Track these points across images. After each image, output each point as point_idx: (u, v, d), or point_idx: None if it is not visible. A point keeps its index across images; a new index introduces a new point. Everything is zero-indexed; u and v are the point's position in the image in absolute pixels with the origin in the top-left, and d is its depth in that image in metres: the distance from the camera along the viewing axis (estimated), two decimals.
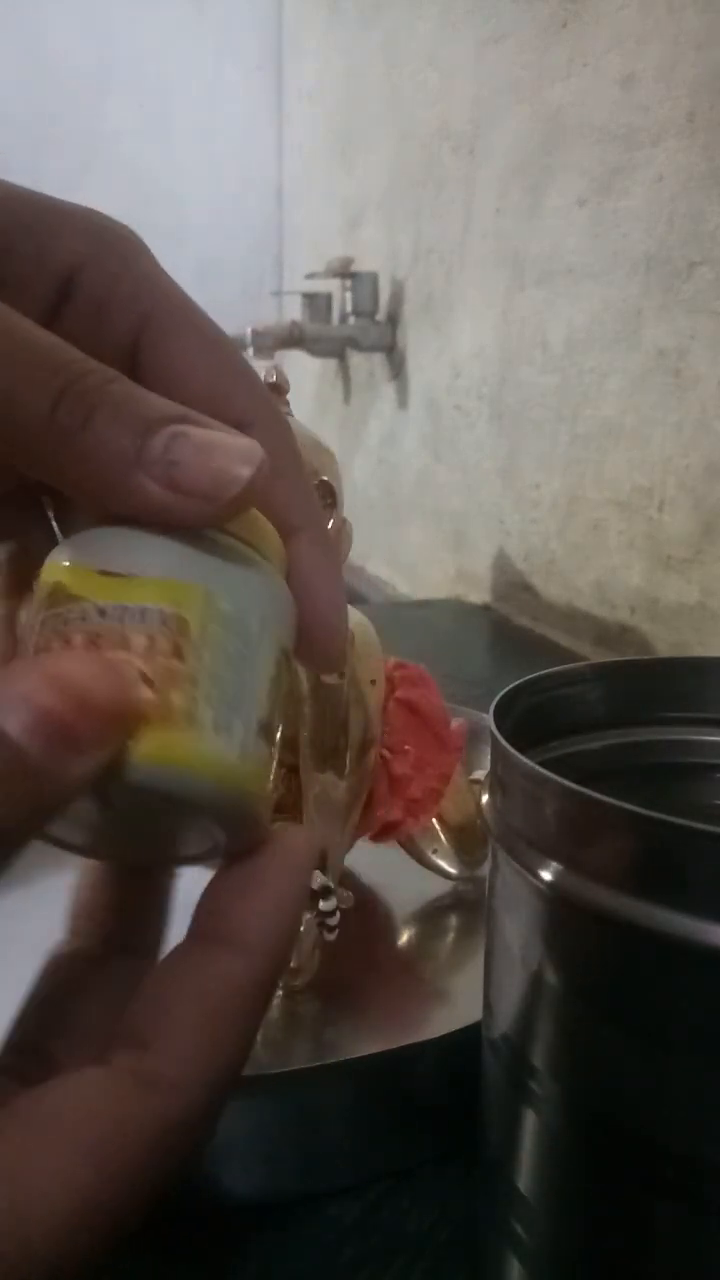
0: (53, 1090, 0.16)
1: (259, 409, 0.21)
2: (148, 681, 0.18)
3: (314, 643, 0.21)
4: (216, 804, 0.18)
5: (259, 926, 0.19)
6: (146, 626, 0.18)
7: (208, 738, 0.18)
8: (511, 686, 0.26)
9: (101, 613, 0.18)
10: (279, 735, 0.20)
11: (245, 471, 0.17)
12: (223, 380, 0.20)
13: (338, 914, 0.36)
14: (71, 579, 0.19)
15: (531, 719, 0.26)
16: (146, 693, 0.17)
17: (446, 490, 1.10)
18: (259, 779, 0.19)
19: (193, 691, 0.18)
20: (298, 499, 0.21)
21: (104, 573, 0.18)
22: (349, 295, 1.24)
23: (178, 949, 0.19)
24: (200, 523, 0.18)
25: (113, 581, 0.18)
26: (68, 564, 0.19)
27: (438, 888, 0.43)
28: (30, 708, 0.15)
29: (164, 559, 0.19)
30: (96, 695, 0.16)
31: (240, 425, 0.20)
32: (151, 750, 0.17)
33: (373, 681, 0.38)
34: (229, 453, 0.18)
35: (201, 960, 0.18)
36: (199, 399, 0.19)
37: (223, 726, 0.18)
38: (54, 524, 0.23)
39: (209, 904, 0.19)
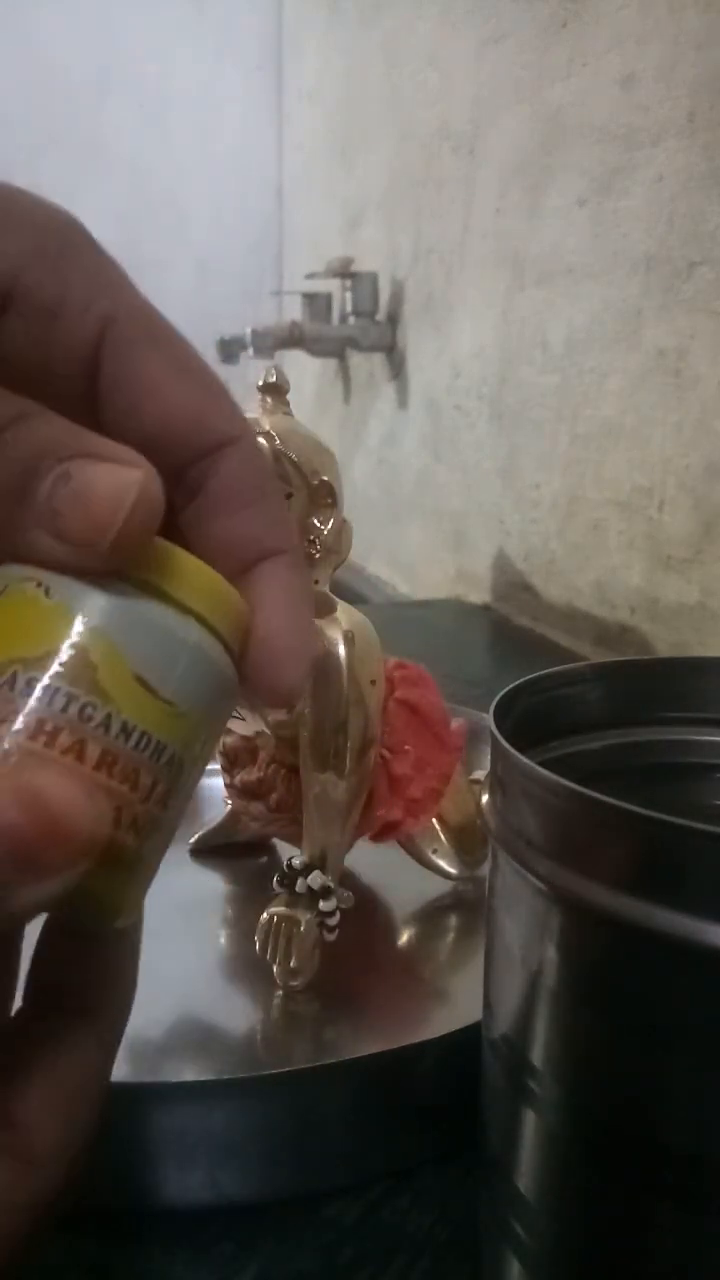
0: None
1: (231, 424, 0.19)
2: (134, 827, 0.17)
3: (262, 683, 0.20)
4: (107, 924, 0.18)
5: (104, 999, 0.19)
6: (155, 768, 0.17)
7: (138, 890, 0.18)
8: (511, 686, 0.26)
9: (125, 735, 0.17)
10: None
11: (118, 516, 0.16)
12: (193, 394, 0.19)
13: (338, 914, 0.36)
14: (106, 666, 0.17)
15: (531, 719, 0.26)
16: (130, 841, 0.17)
17: (446, 490, 1.10)
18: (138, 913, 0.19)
19: (156, 839, 0.18)
20: (266, 523, 0.20)
21: (141, 681, 0.17)
22: (349, 295, 1.24)
23: (29, 1019, 0.19)
24: (101, 572, 0.17)
25: (149, 700, 0.17)
26: (99, 634, 0.17)
27: (438, 888, 0.43)
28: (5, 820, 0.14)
29: (192, 682, 0.18)
30: (79, 834, 0.15)
31: (214, 444, 0.19)
32: (94, 889, 0.16)
33: (373, 681, 0.38)
34: (103, 495, 0.16)
35: (61, 1039, 0.19)
36: (168, 414, 0.18)
37: (157, 863, 0.18)
38: None
39: (59, 974, 0.20)
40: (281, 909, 0.36)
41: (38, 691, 0.16)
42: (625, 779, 0.28)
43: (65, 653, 0.17)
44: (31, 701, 0.16)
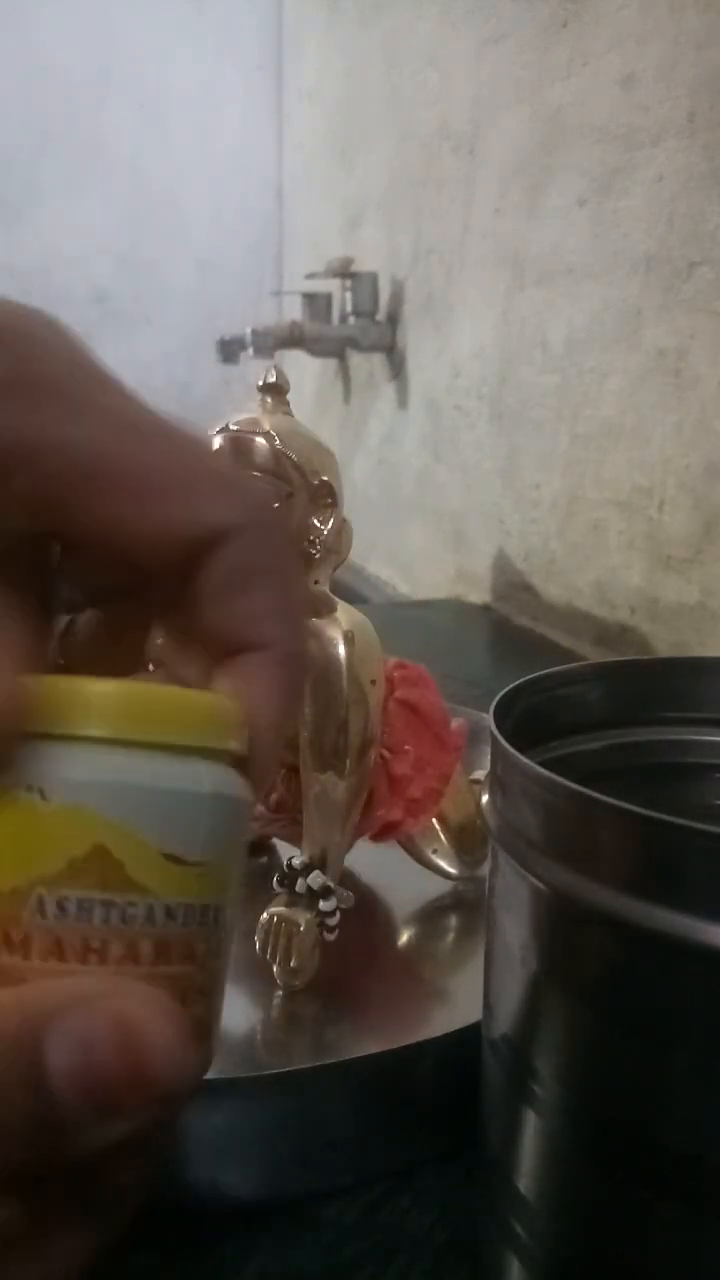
0: None
1: (229, 512, 0.18)
2: (202, 993, 0.16)
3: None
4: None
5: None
6: (205, 929, 0.17)
7: (214, 1026, 0.17)
8: (511, 686, 0.26)
9: (170, 915, 0.16)
10: None
11: None
12: (192, 486, 0.18)
13: (338, 914, 0.36)
14: (130, 856, 0.16)
15: (531, 719, 0.26)
16: (200, 1011, 0.16)
17: (446, 490, 1.10)
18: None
19: (216, 994, 0.17)
20: (265, 611, 0.19)
21: (170, 858, 0.16)
22: (349, 295, 1.24)
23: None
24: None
25: (181, 871, 0.16)
26: (113, 824, 0.16)
27: (438, 888, 0.43)
28: (84, 1054, 0.13)
29: (215, 831, 0.17)
30: (158, 1060, 0.14)
31: (214, 537, 0.18)
32: (199, 1068, 0.16)
33: (373, 681, 0.38)
34: None
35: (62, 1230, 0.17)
36: (153, 530, 0.18)
37: (217, 1024, 0.18)
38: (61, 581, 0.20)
39: None
40: (281, 909, 0.36)
41: (73, 910, 0.15)
42: (625, 779, 0.28)
43: (86, 858, 0.16)
44: (71, 922, 0.15)
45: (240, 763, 0.18)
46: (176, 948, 0.16)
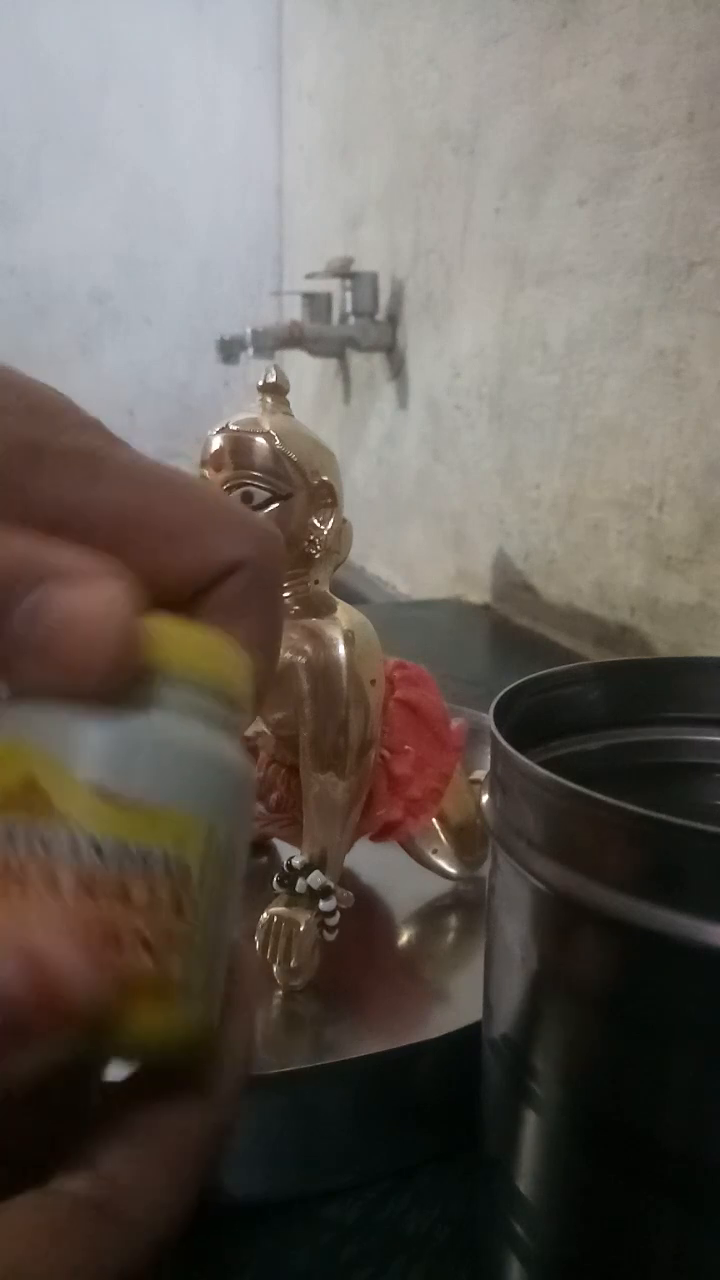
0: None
1: (235, 548, 0.19)
2: (146, 946, 0.16)
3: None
4: (175, 1060, 0.17)
5: (215, 1078, 0.18)
6: (148, 875, 0.16)
7: (194, 1006, 0.17)
8: (511, 686, 0.26)
9: (98, 850, 0.15)
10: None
11: (108, 640, 0.16)
12: (208, 528, 0.19)
13: (338, 914, 0.36)
14: (57, 786, 0.16)
15: (531, 719, 0.26)
16: (145, 961, 0.16)
17: (446, 490, 1.10)
18: (216, 1017, 0.18)
19: (189, 954, 0.16)
20: (248, 638, 0.19)
21: (101, 792, 0.16)
22: (349, 295, 1.24)
23: (138, 1080, 0.18)
24: (97, 692, 0.16)
25: (112, 809, 0.16)
26: (47, 756, 0.16)
27: (438, 888, 0.43)
28: None
29: (167, 776, 0.16)
30: (77, 985, 0.14)
31: (229, 569, 0.19)
32: (138, 1029, 0.16)
33: (373, 681, 0.38)
34: (88, 621, 0.16)
35: (166, 1105, 0.18)
36: (164, 567, 0.18)
37: (208, 986, 0.17)
38: None
39: None
40: (281, 909, 0.36)
41: (2, 836, 0.15)
42: (625, 779, 0.28)
43: (13, 786, 0.16)
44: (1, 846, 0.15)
45: (233, 720, 0.18)
46: (104, 886, 0.15)
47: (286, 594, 0.38)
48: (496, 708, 0.24)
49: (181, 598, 0.19)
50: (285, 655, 0.37)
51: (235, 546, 0.19)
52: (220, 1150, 0.19)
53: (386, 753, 0.39)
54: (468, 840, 0.43)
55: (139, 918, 0.16)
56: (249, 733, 0.40)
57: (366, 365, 1.31)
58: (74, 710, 0.16)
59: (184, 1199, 0.18)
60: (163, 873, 0.16)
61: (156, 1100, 0.18)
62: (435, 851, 0.43)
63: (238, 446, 0.36)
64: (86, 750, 0.16)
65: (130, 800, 0.16)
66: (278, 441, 0.36)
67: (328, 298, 1.32)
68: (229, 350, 1.26)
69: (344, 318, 1.26)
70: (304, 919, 0.36)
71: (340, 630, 0.37)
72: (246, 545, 0.19)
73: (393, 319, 1.22)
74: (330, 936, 0.36)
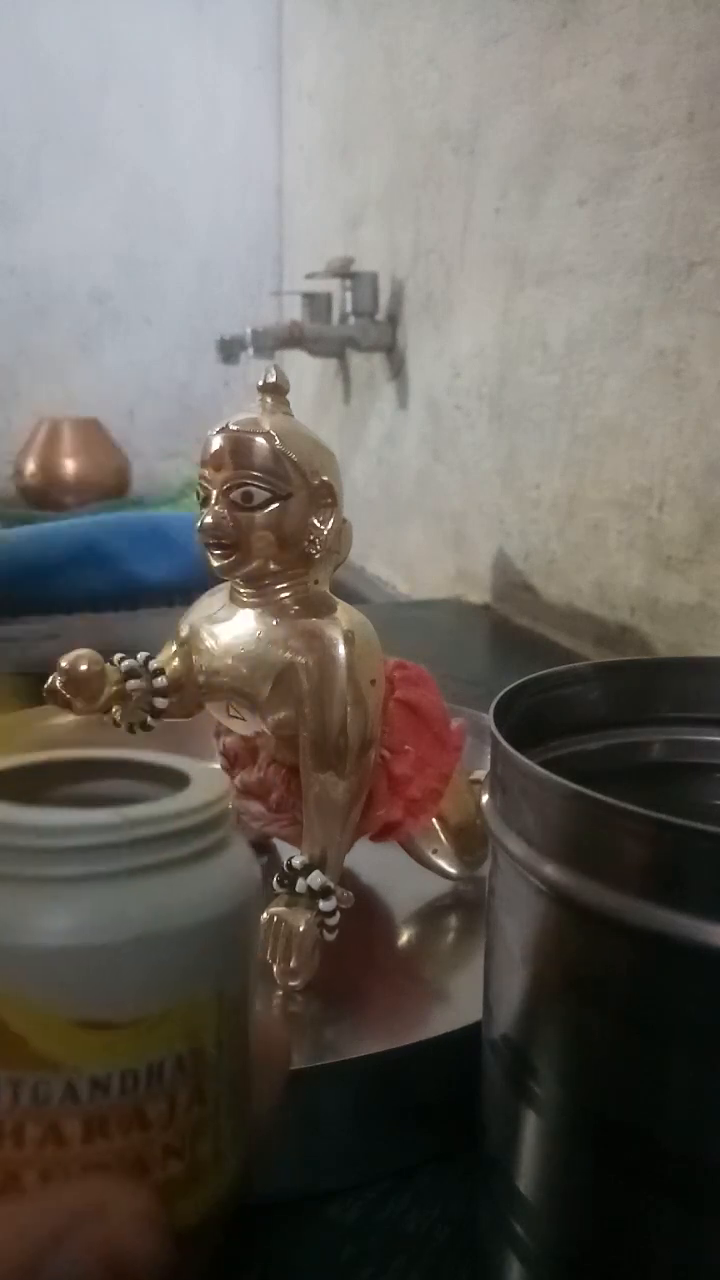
0: None
1: None
2: (172, 1152, 0.14)
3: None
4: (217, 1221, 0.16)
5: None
6: (163, 1088, 0.14)
7: (227, 1170, 0.15)
8: (511, 686, 0.26)
9: (102, 1088, 0.14)
10: None
11: None
12: None
13: (338, 914, 0.36)
14: (29, 1026, 0.13)
15: (531, 719, 0.26)
16: (174, 1169, 0.14)
17: (446, 490, 1.09)
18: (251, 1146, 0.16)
19: (218, 1126, 0.15)
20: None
21: (86, 1024, 0.13)
22: (349, 295, 1.23)
23: None
24: None
25: (101, 1038, 0.14)
26: (13, 995, 0.13)
27: (438, 888, 0.43)
28: None
29: (161, 973, 0.14)
30: (130, 1256, 0.13)
31: None
32: (180, 1218, 0.14)
33: (373, 681, 0.38)
34: None
35: None
36: None
37: (237, 1142, 0.16)
38: None
39: None
40: (281, 909, 0.36)
41: None
42: (625, 779, 0.28)
43: None
44: None
45: (218, 841, 0.16)
46: (116, 1121, 0.14)
47: (286, 594, 0.38)
48: (496, 708, 0.24)
49: None
50: (285, 655, 0.37)
51: None
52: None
53: (386, 753, 0.39)
54: (468, 840, 0.43)
55: (160, 1134, 0.14)
56: (249, 733, 0.40)
57: (366, 365, 1.31)
58: (38, 935, 0.14)
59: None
60: (177, 1075, 0.14)
61: None
62: (435, 851, 0.43)
63: (238, 446, 0.36)
64: (54, 977, 0.14)
65: (123, 1023, 0.14)
66: (278, 441, 0.36)
67: (328, 298, 1.32)
68: (229, 350, 1.26)
69: (344, 318, 1.26)
70: (304, 919, 0.36)
71: (340, 630, 0.37)
72: None
73: (393, 319, 1.22)
74: (330, 936, 0.36)
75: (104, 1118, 0.14)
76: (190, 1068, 0.14)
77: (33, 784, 0.17)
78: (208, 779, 0.17)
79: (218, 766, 0.18)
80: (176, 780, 0.17)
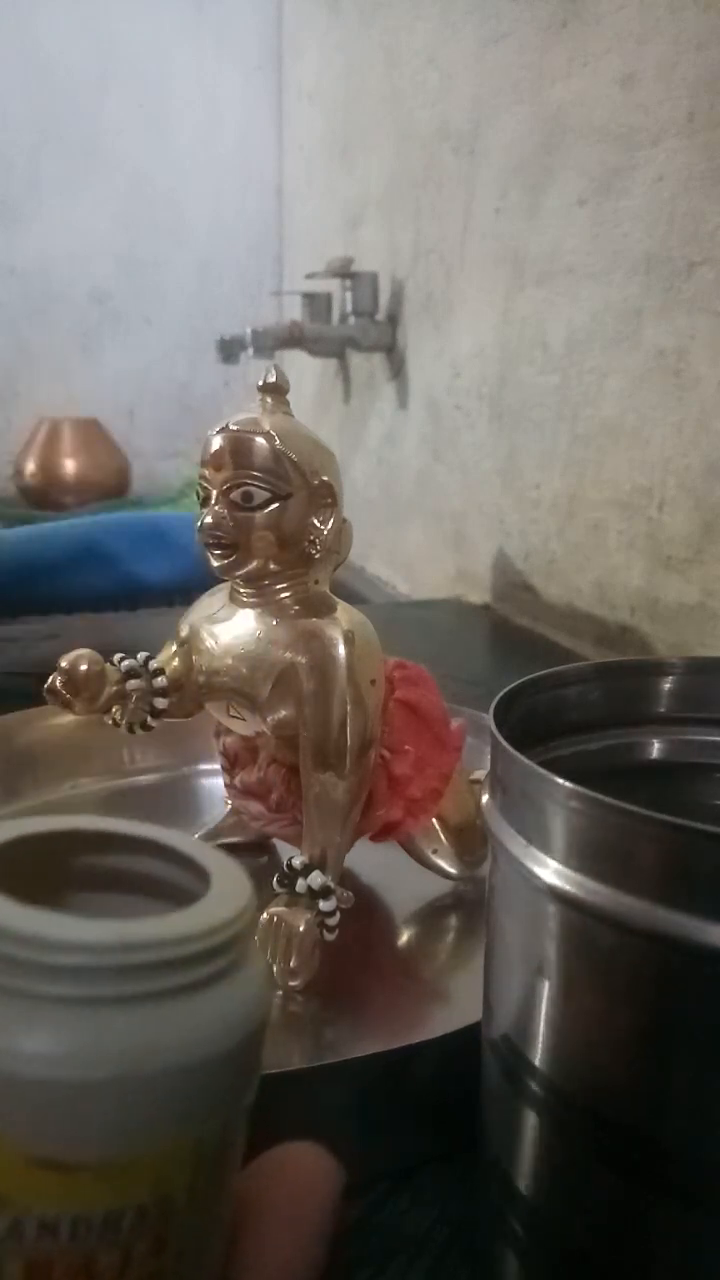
0: None
1: None
2: None
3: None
4: None
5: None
6: (119, 1239, 0.13)
7: None
8: (511, 686, 0.26)
9: (51, 1231, 0.12)
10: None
11: None
12: None
13: (338, 914, 0.36)
14: None
15: (531, 719, 0.26)
16: None
17: (446, 490, 1.09)
18: None
19: (177, 1277, 0.14)
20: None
21: (41, 1158, 0.12)
22: (349, 295, 1.23)
23: None
24: None
25: (58, 1179, 0.12)
26: None
27: (438, 888, 0.43)
28: None
29: (133, 1116, 0.13)
30: None
31: None
32: None
33: (373, 681, 0.38)
34: None
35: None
36: None
37: None
38: None
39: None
40: (281, 909, 0.36)
41: None
42: (625, 779, 0.28)
43: None
44: None
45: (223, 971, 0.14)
46: (62, 1268, 0.12)
47: (286, 594, 0.38)
48: (496, 708, 0.24)
49: None
50: (285, 655, 0.37)
51: None
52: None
53: (386, 753, 0.39)
54: (468, 840, 0.43)
55: None
56: (249, 733, 0.40)
57: (366, 365, 1.31)
58: (4, 1058, 0.12)
59: None
60: (137, 1225, 0.13)
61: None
62: (435, 851, 0.43)
63: (238, 446, 0.36)
64: (20, 1112, 0.12)
65: (85, 1166, 0.12)
66: (278, 441, 0.36)
67: (328, 298, 1.32)
68: (229, 350, 1.26)
69: (344, 318, 1.26)
70: (304, 919, 0.36)
71: (340, 630, 0.37)
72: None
73: (393, 319, 1.22)
74: (330, 936, 0.36)
75: (48, 1263, 0.13)
76: (153, 1218, 0.13)
77: (45, 854, 0.16)
78: (231, 884, 0.15)
79: (242, 873, 0.15)
80: (197, 876, 0.15)
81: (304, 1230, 0.16)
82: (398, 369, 1.22)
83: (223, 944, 0.14)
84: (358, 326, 1.22)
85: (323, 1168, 0.17)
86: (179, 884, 0.16)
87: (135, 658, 0.39)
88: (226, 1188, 0.15)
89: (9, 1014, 0.12)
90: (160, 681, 0.39)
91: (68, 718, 0.41)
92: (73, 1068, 0.12)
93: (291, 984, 0.36)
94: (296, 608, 0.38)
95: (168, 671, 0.40)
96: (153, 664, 0.39)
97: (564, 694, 0.28)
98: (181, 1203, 0.13)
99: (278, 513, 0.36)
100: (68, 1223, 0.12)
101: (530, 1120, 0.23)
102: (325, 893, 0.36)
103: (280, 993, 0.36)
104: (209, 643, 0.39)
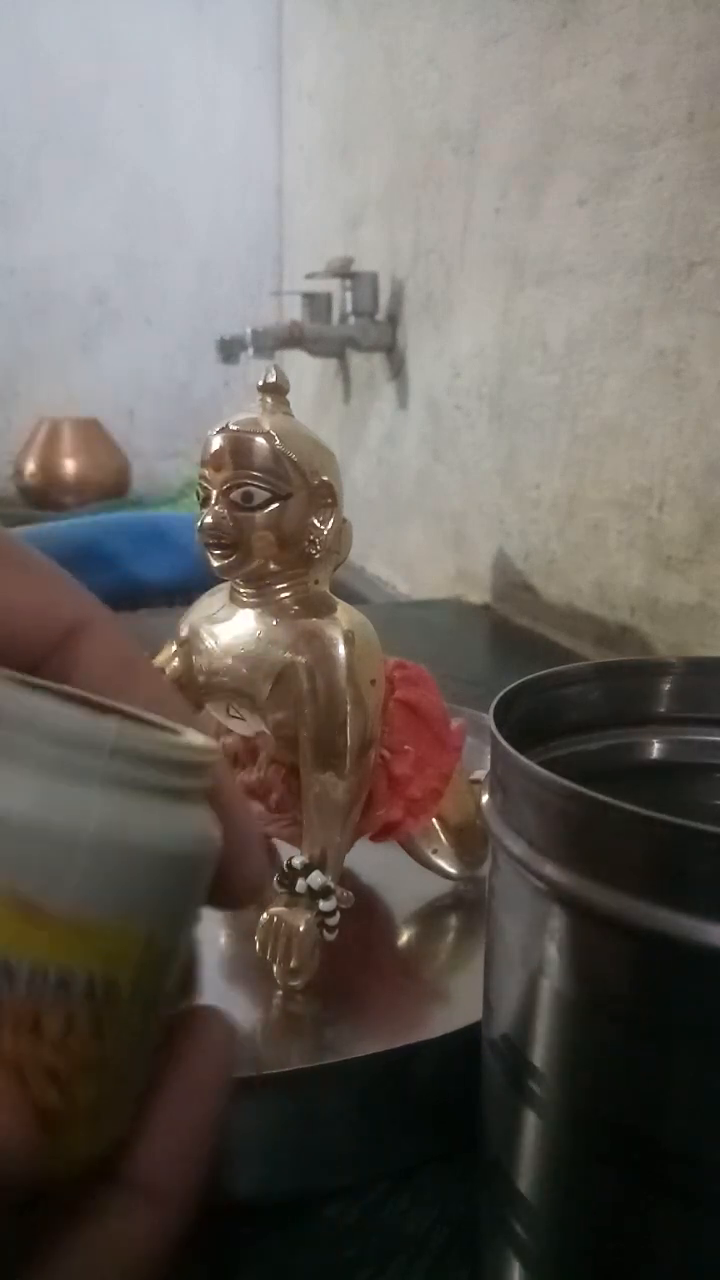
0: None
1: (78, 609, 0.20)
2: (54, 1079, 0.14)
3: (228, 882, 0.18)
4: (75, 1172, 0.15)
5: (170, 1172, 0.17)
6: (66, 1004, 0.14)
7: (99, 1131, 0.15)
8: (511, 686, 0.26)
9: (8, 975, 0.13)
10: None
11: None
12: (32, 589, 0.20)
13: (338, 914, 0.36)
14: None
15: (531, 719, 0.26)
16: (50, 1097, 0.14)
17: (446, 490, 1.09)
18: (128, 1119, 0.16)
19: (103, 1077, 0.15)
20: (150, 701, 0.19)
21: (20, 903, 0.13)
22: (349, 295, 1.23)
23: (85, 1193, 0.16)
24: None
25: (30, 925, 0.13)
26: None
27: (438, 888, 0.43)
28: None
29: (103, 881, 0.14)
30: None
31: (63, 630, 0.19)
32: (32, 1159, 0.14)
33: (373, 681, 0.38)
34: None
35: (111, 1211, 0.16)
36: (8, 612, 0.19)
37: (116, 1108, 0.15)
38: None
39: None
40: (281, 909, 0.36)
41: None
42: (625, 779, 0.28)
43: None
44: None
45: (196, 800, 0.16)
46: (11, 1017, 0.13)
47: (286, 594, 0.38)
48: (496, 708, 0.24)
49: (45, 649, 0.19)
50: (285, 655, 0.37)
51: (78, 603, 0.20)
52: (168, 1250, 0.17)
53: (386, 753, 0.39)
54: (468, 840, 0.43)
55: (49, 1053, 0.14)
56: (249, 733, 0.40)
57: (366, 365, 1.31)
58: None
59: (198, 1176, 0.17)
60: (84, 998, 0.14)
61: (80, 1218, 0.16)
62: (435, 851, 0.43)
63: (238, 446, 0.36)
64: (7, 848, 0.14)
65: (54, 915, 0.14)
66: (278, 441, 0.36)
67: (328, 298, 1.32)
68: (229, 350, 1.26)
69: (344, 318, 1.26)
70: (304, 919, 0.36)
71: (340, 630, 0.37)
72: (88, 606, 0.20)
73: (393, 319, 1.22)
74: (330, 936, 0.36)
75: (2, 1004, 0.13)
76: (99, 996, 0.14)
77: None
78: (201, 740, 0.17)
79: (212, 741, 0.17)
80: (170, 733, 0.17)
81: (208, 1080, 0.18)
82: (398, 369, 1.22)
83: (203, 766, 0.16)
84: (358, 326, 1.22)
85: (224, 1028, 0.18)
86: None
87: None
88: (160, 1005, 0.16)
89: (13, 764, 0.14)
90: None
91: None
92: (65, 815, 0.14)
93: (291, 984, 0.36)
94: (296, 608, 0.38)
95: (168, 671, 0.40)
96: (153, 664, 0.39)
97: (564, 694, 0.28)
98: (126, 994, 0.14)
99: (278, 513, 0.36)
100: (25, 970, 0.13)
101: (530, 1120, 0.23)
102: (325, 893, 0.36)
103: (280, 993, 0.36)
104: (209, 643, 0.39)
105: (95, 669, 0.19)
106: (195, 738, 0.17)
